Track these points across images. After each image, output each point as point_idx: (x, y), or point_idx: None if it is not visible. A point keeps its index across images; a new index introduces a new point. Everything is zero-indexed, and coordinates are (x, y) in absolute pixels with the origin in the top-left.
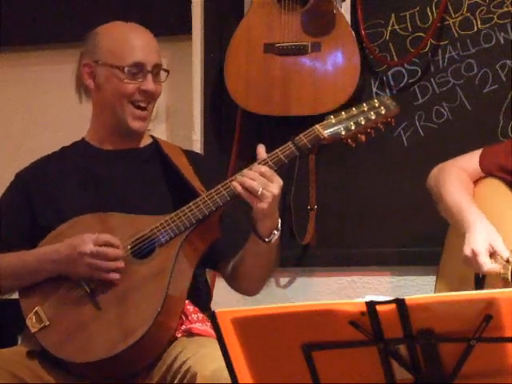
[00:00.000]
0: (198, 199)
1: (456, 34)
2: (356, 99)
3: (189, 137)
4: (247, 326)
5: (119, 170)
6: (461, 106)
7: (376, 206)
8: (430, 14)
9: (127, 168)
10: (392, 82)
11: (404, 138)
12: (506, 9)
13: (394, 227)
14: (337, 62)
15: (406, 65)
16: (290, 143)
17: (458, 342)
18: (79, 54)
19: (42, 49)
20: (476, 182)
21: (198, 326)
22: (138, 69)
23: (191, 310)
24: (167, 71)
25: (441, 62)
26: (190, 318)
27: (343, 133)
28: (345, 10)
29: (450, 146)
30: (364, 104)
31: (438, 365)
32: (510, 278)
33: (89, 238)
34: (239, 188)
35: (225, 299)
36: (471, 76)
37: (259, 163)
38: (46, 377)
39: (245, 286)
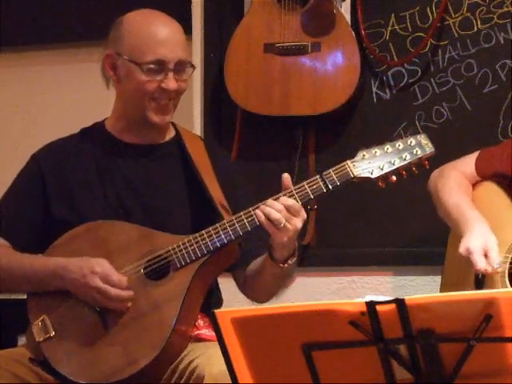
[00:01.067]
0: (217, 224)
1: (456, 34)
2: (356, 99)
3: None
4: (247, 326)
5: (138, 167)
6: (461, 106)
7: (376, 206)
8: (429, 13)
9: (146, 166)
10: (392, 82)
11: None
12: (505, 9)
13: (394, 227)
14: (337, 61)
15: (406, 65)
16: (318, 177)
17: (458, 342)
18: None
19: (42, 49)
20: (474, 185)
21: (205, 332)
22: (159, 66)
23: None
24: (193, 67)
25: (441, 62)
26: (197, 324)
27: (375, 173)
28: (345, 9)
29: (449, 146)
30: (399, 142)
31: (438, 365)
32: (507, 282)
33: (99, 270)
34: (262, 218)
35: (225, 299)
36: (471, 76)
37: (285, 194)
38: (48, 377)
39: (255, 296)
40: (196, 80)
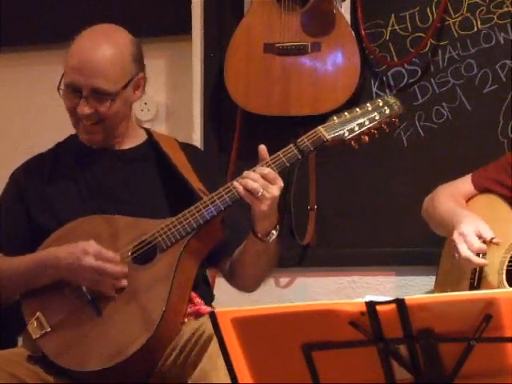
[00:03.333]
0: (199, 203)
1: (456, 34)
2: (356, 99)
3: (189, 137)
4: (247, 326)
5: (114, 172)
6: (461, 106)
7: (376, 206)
8: (429, 13)
9: (121, 170)
10: (392, 82)
11: (404, 138)
12: (505, 9)
13: (393, 227)
14: (337, 61)
15: (406, 65)
16: (292, 145)
17: (457, 341)
18: None
19: (42, 49)
20: (471, 197)
21: (203, 308)
22: (73, 90)
23: (193, 294)
24: (114, 100)
25: (441, 62)
26: (194, 301)
27: (347, 134)
28: (345, 9)
29: (450, 146)
30: (368, 104)
31: (438, 365)
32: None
33: (91, 250)
34: (240, 189)
35: (225, 299)
36: (471, 76)
37: (262, 165)
38: (46, 377)
39: (243, 283)
40: (196, 80)
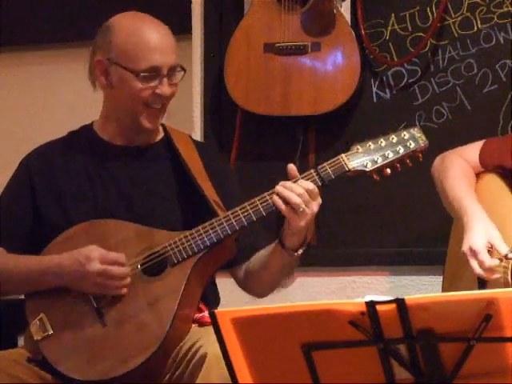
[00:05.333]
0: (214, 220)
1: (456, 34)
2: (356, 99)
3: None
4: (247, 326)
5: (128, 170)
6: (461, 106)
7: (376, 206)
8: (430, 13)
9: (136, 169)
10: (392, 82)
11: None
12: (505, 9)
13: (394, 227)
14: (337, 61)
15: (405, 65)
16: (313, 171)
17: (458, 341)
18: (92, 45)
19: (42, 49)
20: (477, 176)
21: (207, 316)
22: (154, 73)
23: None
24: (184, 70)
25: (441, 62)
26: (199, 306)
27: (369, 166)
28: (345, 9)
29: (450, 146)
30: (393, 136)
31: (438, 365)
32: (510, 279)
33: (95, 255)
34: (280, 202)
35: (225, 299)
36: (471, 76)
37: (295, 181)
38: (46, 376)
39: (259, 290)
40: (196, 80)
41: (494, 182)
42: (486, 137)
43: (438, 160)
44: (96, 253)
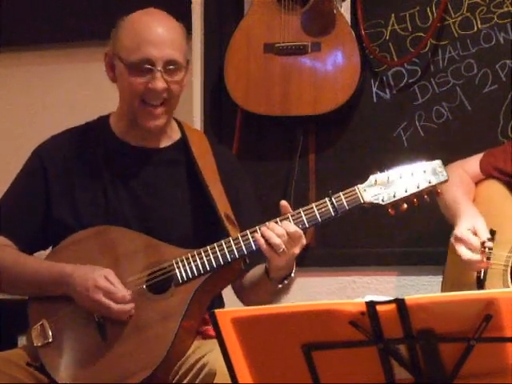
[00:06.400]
0: (223, 241)
1: (456, 34)
2: (356, 99)
3: None
4: (247, 326)
5: (142, 174)
6: (461, 106)
7: (376, 206)
8: (430, 13)
9: (150, 173)
10: (392, 82)
11: (404, 138)
12: (506, 9)
13: (394, 227)
14: (337, 61)
15: (406, 65)
16: (327, 200)
17: (457, 342)
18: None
19: (42, 49)
20: (477, 183)
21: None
22: (146, 66)
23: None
24: (187, 68)
25: (441, 62)
26: (204, 317)
27: (385, 199)
28: (345, 9)
29: (449, 146)
30: (413, 168)
31: (438, 365)
32: (509, 276)
33: (102, 285)
34: (262, 241)
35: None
36: (471, 76)
37: (293, 215)
38: (44, 380)
39: (248, 304)
40: (196, 80)
41: (494, 186)
42: (486, 137)
43: None
44: (104, 284)
